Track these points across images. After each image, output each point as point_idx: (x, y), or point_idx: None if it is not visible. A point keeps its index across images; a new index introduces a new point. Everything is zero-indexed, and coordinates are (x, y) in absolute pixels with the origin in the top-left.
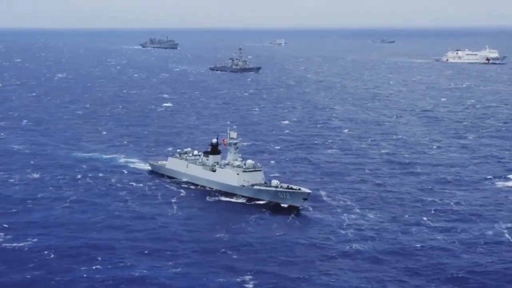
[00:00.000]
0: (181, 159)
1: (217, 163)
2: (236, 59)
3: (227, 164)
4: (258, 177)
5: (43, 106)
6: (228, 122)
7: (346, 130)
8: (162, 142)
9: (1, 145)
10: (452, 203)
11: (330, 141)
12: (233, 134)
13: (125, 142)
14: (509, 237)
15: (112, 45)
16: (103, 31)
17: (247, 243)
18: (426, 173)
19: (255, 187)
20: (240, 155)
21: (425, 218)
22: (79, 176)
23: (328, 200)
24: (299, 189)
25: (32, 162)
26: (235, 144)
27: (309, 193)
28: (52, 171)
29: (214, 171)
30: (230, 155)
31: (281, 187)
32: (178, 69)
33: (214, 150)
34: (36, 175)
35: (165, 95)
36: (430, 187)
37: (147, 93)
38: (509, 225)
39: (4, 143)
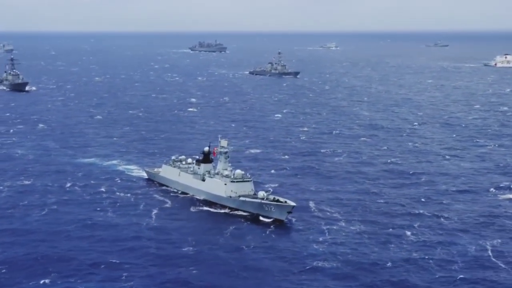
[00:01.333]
0: (174, 167)
1: (208, 172)
2: (275, 64)
3: (217, 173)
4: (247, 188)
5: (67, 110)
6: (244, 128)
7: (362, 138)
8: (170, 148)
9: (6, 150)
10: (443, 217)
11: (340, 150)
12: (224, 143)
13: (132, 148)
14: (491, 255)
15: (162, 49)
16: (159, 34)
17: (213, 256)
18: (429, 183)
19: (241, 198)
20: (230, 164)
21: (408, 233)
22: (68, 184)
23: (316, 212)
24: (285, 201)
25: (30, 168)
26: (226, 153)
27: (293, 206)
28: (44, 178)
29: (204, 180)
30: (220, 164)
31: (267, 199)
32: (217, 73)
33: (206, 158)
34: (27, 182)
35: (193, 100)
36: (425, 199)
37: (176, 97)
38: (495, 241)
39: (10, 148)
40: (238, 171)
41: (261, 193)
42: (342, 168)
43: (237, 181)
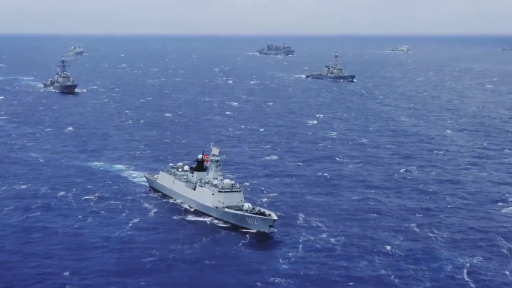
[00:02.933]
0: (170, 174)
1: (201, 180)
2: (332, 67)
3: (207, 182)
4: (235, 198)
5: (103, 113)
6: (272, 133)
7: (388, 145)
8: (184, 154)
9: (22, 153)
10: (431, 232)
11: (358, 158)
12: (215, 151)
13: (146, 153)
14: (465, 276)
15: (230, 51)
16: (235, 37)
17: (169, 268)
18: (434, 194)
19: (225, 209)
20: (221, 173)
21: (388, 247)
22: (62, 189)
23: (302, 224)
24: (269, 214)
25: (32, 172)
26: (217, 161)
27: (275, 220)
28: (41, 183)
29: (195, 189)
30: (211, 173)
31: (252, 211)
32: (273, 77)
33: (199, 166)
34: (23, 186)
35: (235, 103)
36: (423, 211)
37: (219, 100)
38: (475, 260)
39: (25, 151)
40: (227, 181)
41: (246, 205)
42: (351, 178)
43: (225, 191)
